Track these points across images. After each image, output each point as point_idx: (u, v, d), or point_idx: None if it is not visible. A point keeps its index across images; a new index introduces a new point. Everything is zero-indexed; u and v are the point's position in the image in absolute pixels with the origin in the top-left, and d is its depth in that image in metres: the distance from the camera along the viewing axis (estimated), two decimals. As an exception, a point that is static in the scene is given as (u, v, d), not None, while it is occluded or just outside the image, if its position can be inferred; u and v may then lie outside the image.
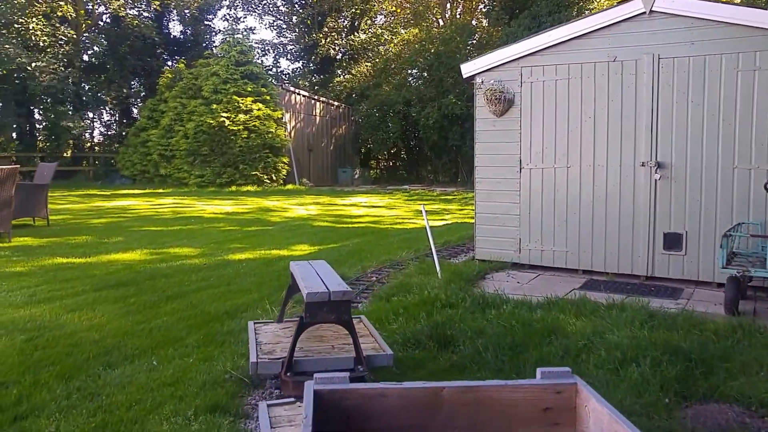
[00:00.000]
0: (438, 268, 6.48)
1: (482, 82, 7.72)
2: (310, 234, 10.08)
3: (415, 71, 30.11)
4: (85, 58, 27.26)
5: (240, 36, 24.49)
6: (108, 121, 30.76)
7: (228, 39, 24.16)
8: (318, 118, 28.31)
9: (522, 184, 7.22)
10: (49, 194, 18.19)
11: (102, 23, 28.26)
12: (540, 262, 7.10)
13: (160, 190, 20.62)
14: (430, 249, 6.79)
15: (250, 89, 22.72)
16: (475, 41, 28.86)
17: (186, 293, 5.71)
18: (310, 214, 13.29)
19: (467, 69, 7.88)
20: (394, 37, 31.60)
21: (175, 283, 6.12)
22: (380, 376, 3.46)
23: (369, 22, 34.33)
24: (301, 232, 10.25)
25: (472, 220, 12.96)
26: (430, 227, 6.90)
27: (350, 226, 11.29)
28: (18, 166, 8.34)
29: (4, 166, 7.93)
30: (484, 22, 29.63)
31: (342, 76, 32.56)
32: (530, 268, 7.12)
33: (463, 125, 27.61)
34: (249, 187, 21.72)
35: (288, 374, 3.19)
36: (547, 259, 7.05)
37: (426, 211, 6.90)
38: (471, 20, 31.87)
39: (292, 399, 2.98)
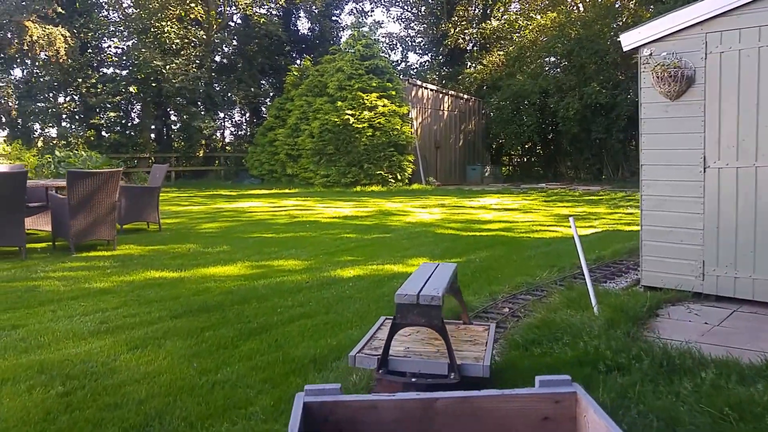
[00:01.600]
0: (593, 301, 4.99)
1: (650, 55, 5.98)
2: (430, 244, 8.88)
3: (552, 59, 27.85)
4: (216, 58, 28.26)
5: (366, 29, 23.90)
6: (239, 121, 31.83)
7: (353, 33, 23.67)
8: (446, 113, 27.08)
9: (707, 188, 5.49)
10: (176, 195, 18.98)
11: (232, 24, 29.16)
12: (733, 293, 5.34)
13: (286, 191, 20.55)
14: (580, 270, 5.32)
15: (375, 84, 22.02)
16: (620, 24, 26.02)
17: (274, 325, 4.75)
18: (433, 219, 12.11)
19: (630, 39, 6.17)
20: (529, 23, 29.51)
21: (266, 310, 5.20)
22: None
23: (502, 9, 32.45)
24: (421, 242, 9.08)
25: (627, 228, 11.16)
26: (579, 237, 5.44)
27: (478, 234, 9.94)
28: (121, 169, 8.01)
29: (104, 169, 7.56)
30: (631, 4, 26.64)
31: (472, 68, 31.04)
32: (719, 300, 5.38)
33: (608, 115, 25.01)
34: (373, 187, 21.02)
35: (380, 371, 3.19)
36: (743, 289, 5.28)
37: (573, 216, 5.41)
38: (615, 2, 28.91)
39: None
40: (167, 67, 22.40)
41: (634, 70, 27.09)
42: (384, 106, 21.81)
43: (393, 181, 22.02)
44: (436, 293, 3.18)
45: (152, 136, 26.85)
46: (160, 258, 7.57)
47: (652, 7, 23.96)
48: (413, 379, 3.17)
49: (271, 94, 30.16)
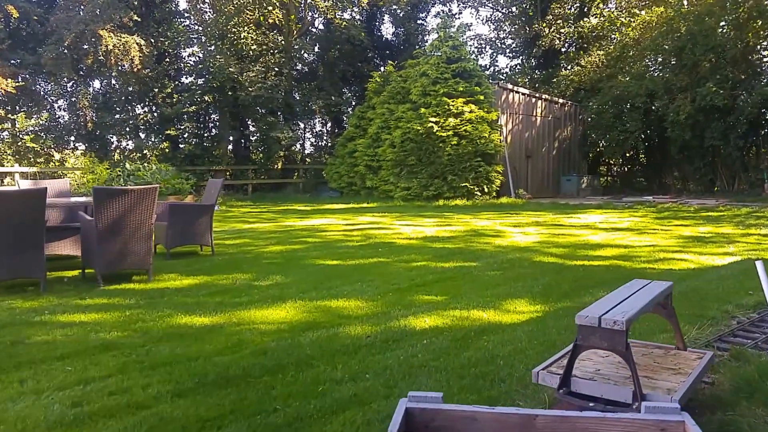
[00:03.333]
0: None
1: None
2: (528, 277, 7.15)
3: (660, 58, 25.07)
4: (296, 66, 27.56)
5: (453, 30, 22.31)
6: (319, 131, 31.00)
7: (440, 34, 22.15)
8: (539, 119, 24.96)
9: None
10: (249, 210, 18.11)
11: (313, 29, 28.39)
12: None
13: (365, 204, 19.27)
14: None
15: (461, 89, 20.38)
16: (737, 16, 22.92)
17: (306, 420, 3.28)
18: (529, 242, 10.30)
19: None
20: (632, 20, 26.83)
21: (304, 387, 3.74)
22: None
23: (601, 5, 29.86)
24: (517, 274, 7.36)
25: (774, 255, 8.93)
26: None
27: (588, 264, 8.08)
28: (158, 185, 6.84)
29: (138, 186, 6.42)
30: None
31: (568, 70, 28.67)
32: None
33: (725, 119, 22.03)
34: (458, 201, 19.34)
35: (560, 391, 3.11)
36: None
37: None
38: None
39: None
40: (243, 74, 21.76)
41: (758, 67, 23.93)
42: (471, 112, 20.11)
43: (479, 194, 20.23)
44: (621, 317, 2.97)
45: (229, 147, 26.40)
46: (198, 294, 6.32)
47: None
48: (591, 404, 3.02)
49: (353, 102, 29.13)
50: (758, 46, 23.36)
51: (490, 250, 9.22)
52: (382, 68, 27.82)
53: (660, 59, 25.22)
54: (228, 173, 24.43)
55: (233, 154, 26.47)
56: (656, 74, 24.92)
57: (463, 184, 19.84)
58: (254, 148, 26.99)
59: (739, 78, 22.19)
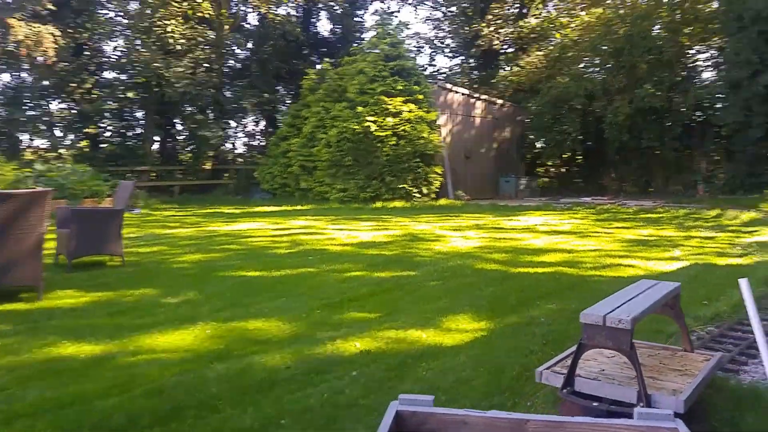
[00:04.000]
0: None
1: None
2: (471, 287, 6.64)
3: (598, 59, 25.44)
4: (228, 62, 26.43)
5: (392, 28, 21.81)
6: (252, 130, 29.87)
7: (378, 30, 21.60)
8: (478, 119, 24.83)
9: None
10: (173, 213, 16.96)
11: (246, 24, 27.32)
12: None
13: (298, 207, 18.46)
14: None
15: (400, 88, 19.90)
16: (676, 17, 23.52)
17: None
18: (470, 247, 9.85)
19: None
20: (571, 21, 27.15)
21: (201, 442, 3.05)
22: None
23: (541, 5, 30.13)
24: (459, 284, 6.84)
25: (721, 261, 8.74)
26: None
27: (533, 271, 7.66)
28: (50, 189, 5.93)
29: (25, 190, 5.51)
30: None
31: (508, 70, 28.76)
32: None
33: (661, 121, 22.50)
34: (396, 203, 18.83)
35: (564, 390, 3.13)
36: None
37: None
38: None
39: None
40: (170, 69, 20.51)
41: (692, 70, 24.62)
42: (410, 111, 19.65)
43: (418, 195, 19.80)
44: (626, 316, 2.97)
45: (155, 147, 24.92)
46: (94, 315, 5.47)
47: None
48: (594, 404, 3.03)
49: (288, 100, 28.23)
50: (692, 49, 24.02)
51: (430, 257, 8.69)
52: (318, 66, 27.06)
53: (598, 60, 25.60)
54: (153, 174, 23.05)
55: (159, 154, 25.02)
56: (595, 76, 25.28)
57: (402, 186, 19.36)
58: (182, 148, 25.61)
59: (675, 80, 22.71)
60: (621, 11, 24.20)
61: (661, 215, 16.08)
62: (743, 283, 3.14)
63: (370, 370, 4.08)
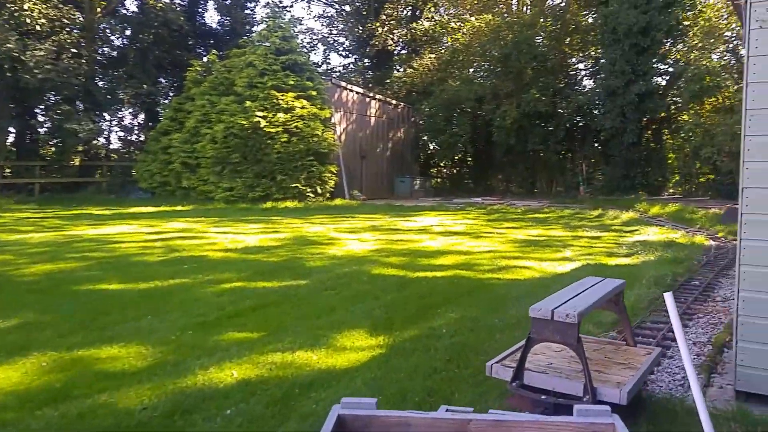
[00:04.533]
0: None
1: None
2: (369, 297, 6.04)
3: (488, 64, 25.90)
4: (103, 49, 24.22)
5: (284, 21, 20.86)
6: (130, 124, 27.60)
7: (268, 23, 20.57)
8: (373, 119, 24.47)
9: None
10: (29, 215, 14.94)
11: (124, 9, 25.17)
12: None
13: (179, 208, 17.08)
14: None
15: (292, 83, 19.04)
16: (558, 27, 24.44)
17: None
18: (366, 250, 9.28)
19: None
20: (462, 25, 27.48)
21: None
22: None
23: (433, 9, 30.31)
24: (355, 293, 6.22)
25: (610, 261, 8.77)
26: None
27: (431, 275, 7.21)
28: None
29: None
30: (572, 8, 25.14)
31: (401, 71, 28.65)
32: None
33: (545, 126, 23.26)
34: (288, 203, 17.96)
35: (513, 384, 3.19)
36: None
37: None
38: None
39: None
40: (27, 53, 18.23)
41: (572, 78, 25.68)
42: (302, 108, 18.85)
43: (312, 195, 19.05)
44: (573, 311, 3.05)
45: (9, 139, 22.07)
46: None
47: (594, 9, 22.42)
48: (543, 397, 3.08)
49: (170, 93, 26.38)
50: (573, 58, 25.05)
51: (323, 263, 8.01)
52: (204, 58, 25.52)
53: (488, 65, 26.07)
54: (8, 170, 20.50)
55: (15, 147, 22.26)
56: (484, 80, 25.72)
57: (294, 185, 18.52)
58: (43, 141, 22.98)
59: (558, 86, 23.55)
60: (508, 18, 24.77)
61: (548, 215, 16.42)
62: (668, 297, 2.75)
63: (248, 407, 3.35)
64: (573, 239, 11.07)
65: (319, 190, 19.24)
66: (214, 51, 23.71)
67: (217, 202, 18.12)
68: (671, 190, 23.06)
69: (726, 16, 17.51)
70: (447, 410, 1.95)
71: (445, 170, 30.06)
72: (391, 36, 29.04)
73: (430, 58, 27.66)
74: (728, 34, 18.03)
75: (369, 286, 6.53)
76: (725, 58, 17.91)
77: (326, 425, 1.59)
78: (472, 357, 4.15)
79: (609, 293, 3.57)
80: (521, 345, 3.49)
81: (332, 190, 19.91)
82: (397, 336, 4.71)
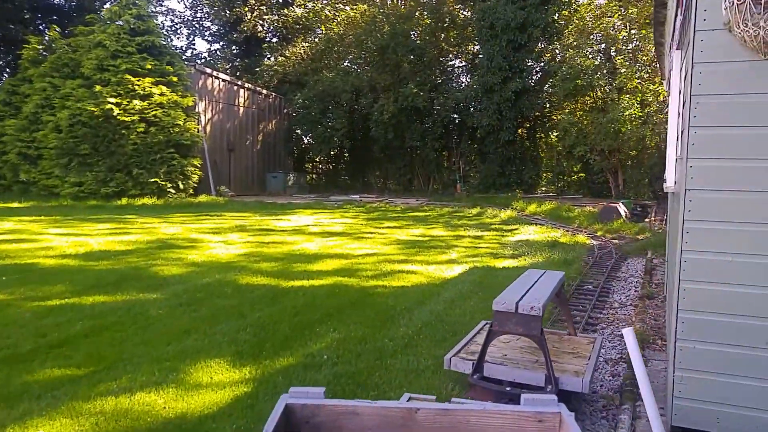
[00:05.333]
0: None
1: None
2: (234, 314, 5.18)
3: (364, 56, 25.49)
4: None
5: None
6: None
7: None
8: (242, 109, 23.18)
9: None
10: None
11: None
12: None
13: (15, 204, 14.93)
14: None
15: (149, 67, 17.37)
16: (434, 21, 24.55)
17: None
18: (233, 255, 8.33)
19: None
20: (337, 14, 26.85)
21: None
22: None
23: (306, -5, 29.41)
24: (216, 310, 5.32)
25: (497, 264, 8.55)
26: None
27: (308, 284, 6.47)
28: None
29: None
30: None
31: (272, 60, 27.48)
32: None
33: (423, 122, 23.27)
34: (146, 200, 16.35)
35: (474, 377, 3.23)
36: None
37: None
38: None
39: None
40: None
41: (450, 74, 25.93)
42: (162, 95, 17.24)
43: (173, 191, 17.52)
44: (537, 303, 3.11)
45: None
46: None
47: (471, 3, 22.70)
48: (507, 389, 3.13)
49: (5, 75, 23.32)
50: (451, 53, 25.30)
51: (180, 272, 6.98)
52: (47, 38, 22.78)
53: (364, 57, 25.66)
54: None
55: None
56: (361, 72, 25.27)
57: (153, 180, 16.90)
58: None
59: (436, 82, 23.64)
60: (383, 10, 24.50)
61: (428, 213, 16.25)
62: (628, 334, 2.25)
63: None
64: (456, 239, 10.81)
65: (182, 186, 17.74)
66: (54, 27, 21.15)
67: (63, 199, 16.11)
68: (544, 188, 23.99)
69: (600, 16, 18.36)
70: (410, 398, 1.97)
71: (320, 165, 29.33)
72: (260, 22, 27.77)
73: (303, 47, 26.76)
74: (600, 34, 18.91)
75: (234, 300, 5.66)
76: (599, 57, 18.78)
77: (273, 414, 1.60)
78: (359, 393, 3.48)
79: (557, 285, 3.66)
80: (472, 336, 3.75)
81: (196, 185, 18.49)
82: (266, 366, 3.93)
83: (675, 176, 4.29)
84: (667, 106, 8.58)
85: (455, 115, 23.58)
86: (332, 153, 27.48)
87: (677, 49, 4.19)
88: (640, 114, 17.81)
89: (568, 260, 8.39)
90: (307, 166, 28.85)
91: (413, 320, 5.10)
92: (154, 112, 16.83)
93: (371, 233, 11.34)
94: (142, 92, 16.84)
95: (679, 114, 4.22)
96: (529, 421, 1.68)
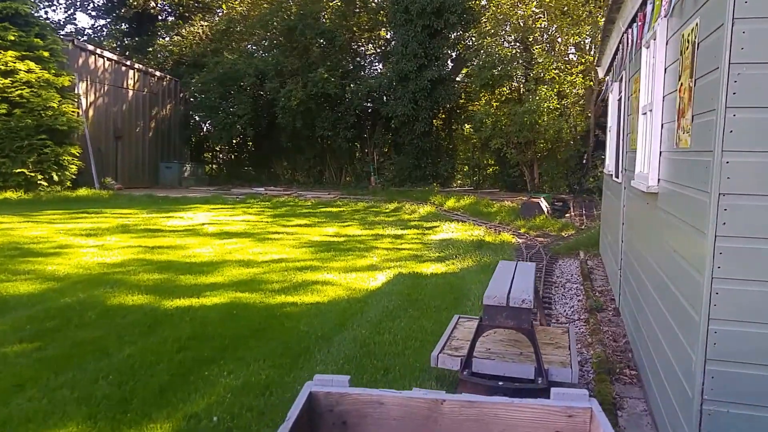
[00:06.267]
0: None
1: None
2: (94, 353, 3.98)
3: (269, 37, 24.04)
4: None
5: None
6: None
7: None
8: (131, 92, 21.16)
9: None
10: None
11: None
12: None
13: None
14: None
15: (12, 38, 15.27)
16: (344, 3, 23.50)
17: None
18: (107, 264, 6.97)
19: None
20: (239, -10, 25.21)
21: None
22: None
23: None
24: (71, 346, 4.09)
25: (424, 269, 7.61)
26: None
27: (198, 302, 5.31)
28: None
29: None
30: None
31: (167, 39, 25.42)
32: None
33: (336, 109, 22.21)
34: (10, 194, 14.34)
35: (465, 372, 3.24)
36: None
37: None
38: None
39: None
40: None
41: (363, 60, 24.97)
42: (29, 71, 15.16)
43: (45, 184, 15.50)
44: (527, 295, 3.18)
45: None
46: None
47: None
48: (500, 383, 3.13)
49: None
50: (363, 38, 24.35)
51: (32, 289, 5.60)
52: None
53: (270, 38, 24.20)
54: None
55: None
56: (267, 55, 23.80)
57: (19, 171, 14.84)
58: None
59: (348, 68, 22.60)
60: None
61: (341, 209, 15.27)
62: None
63: None
64: (375, 239, 9.90)
65: (56, 178, 15.74)
66: None
67: None
68: (459, 182, 23.59)
69: (517, 3, 17.96)
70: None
71: (221, 155, 27.55)
72: (152, -4, 25.61)
73: (202, 26, 24.90)
74: (518, 23, 18.55)
75: (98, 331, 4.43)
76: (516, 46, 18.42)
77: (297, 402, 1.62)
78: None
79: (533, 276, 3.77)
80: (451, 332, 3.81)
81: (75, 177, 16.51)
82: (130, 442, 2.80)
83: (658, 174, 3.56)
84: (610, 92, 8.09)
85: (369, 104, 22.69)
86: (234, 142, 25.85)
87: (665, 16, 3.42)
88: (558, 106, 17.66)
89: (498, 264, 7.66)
90: (206, 156, 27.02)
91: (333, 354, 4.10)
92: (19, 92, 14.75)
93: (278, 233, 10.20)
94: (3, 68, 14.70)
95: (663, 97, 3.48)
96: (558, 415, 1.67)
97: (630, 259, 4.93)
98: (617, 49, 6.43)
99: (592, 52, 17.69)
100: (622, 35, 5.76)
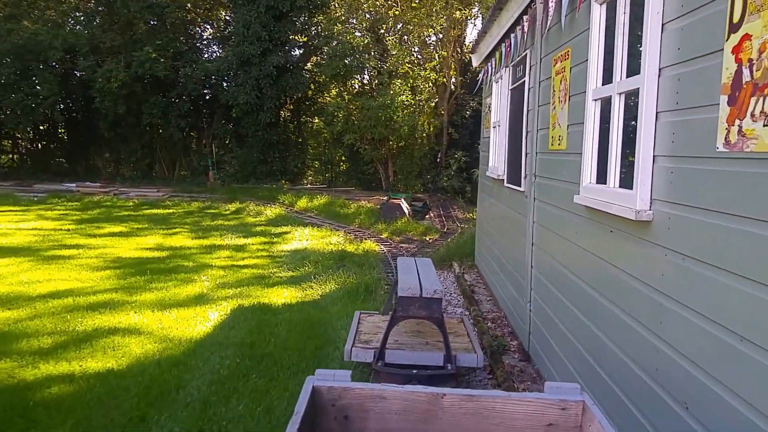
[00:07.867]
0: None
1: None
2: None
3: (83, 5, 20.63)
4: None
5: None
6: None
7: None
8: None
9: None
10: None
11: None
12: None
13: None
14: None
15: None
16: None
17: None
18: None
19: None
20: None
21: None
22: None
23: None
24: None
25: (271, 297, 4.92)
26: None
27: None
28: None
29: None
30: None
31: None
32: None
33: (167, 94, 19.50)
34: None
35: (379, 364, 3.33)
36: None
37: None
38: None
39: None
40: None
41: (199, 41, 22.30)
42: None
43: None
44: (438, 287, 3.34)
45: None
46: None
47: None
48: (414, 371, 3.25)
49: None
50: (200, 17, 21.74)
51: None
52: None
53: (84, 8, 20.77)
54: None
55: None
56: (79, 28, 20.36)
57: None
58: None
59: (182, 49, 19.95)
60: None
61: (170, 211, 12.96)
62: None
63: None
64: (208, 253, 7.93)
65: None
66: None
67: None
68: (311, 179, 21.84)
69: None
70: None
71: (23, 144, 23.38)
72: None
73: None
74: (370, 12, 17.25)
75: None
76: (368, 36, 17.04)
77: (302, 396, 1.62)
78: None
79: (434, 269, 3.97)
80: (355, 329, 3.87)
81: None
82: None
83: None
84: (495, 81, 6.84)
85: (207, 90, 20.23)
86: (42, 128, 22.01)
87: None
88: (412, 101, 16.64)
89: (368, 286, 6.10)
90: (5, 144, 22.82)
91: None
92: None
93: (77, 248, 7.83)
94: None
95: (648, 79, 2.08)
96: (553, 408, 1.69)
97: (551, 289, 3.65)
98: (512, 27, 5.13)
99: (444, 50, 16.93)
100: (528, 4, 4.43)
